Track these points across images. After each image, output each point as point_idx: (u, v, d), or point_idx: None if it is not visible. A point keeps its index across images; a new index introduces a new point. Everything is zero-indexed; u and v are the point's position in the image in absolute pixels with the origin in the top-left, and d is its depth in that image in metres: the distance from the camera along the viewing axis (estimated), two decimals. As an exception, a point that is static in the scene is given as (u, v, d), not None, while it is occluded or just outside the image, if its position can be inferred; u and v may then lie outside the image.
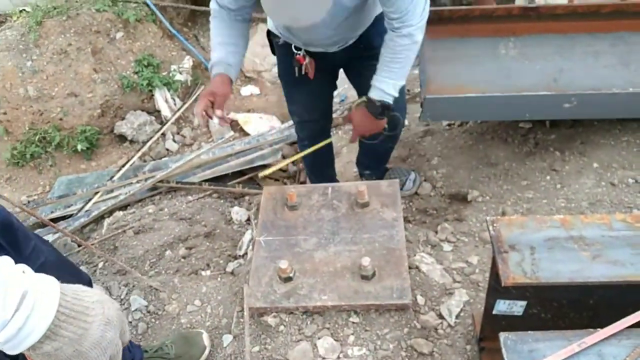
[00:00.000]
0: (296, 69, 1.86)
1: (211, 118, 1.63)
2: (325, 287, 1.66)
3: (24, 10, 4.27)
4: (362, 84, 1.98)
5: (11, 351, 0.63)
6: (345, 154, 2.88)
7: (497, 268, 1.22)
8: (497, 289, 1.26)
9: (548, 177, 2.11)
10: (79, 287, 0.70)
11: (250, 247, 2.36)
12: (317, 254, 1.76)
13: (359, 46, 1.86)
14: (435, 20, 2.21)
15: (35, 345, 0.64)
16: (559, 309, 1.27)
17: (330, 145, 2.30)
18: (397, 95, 1.73)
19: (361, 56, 1.89)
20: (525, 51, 2.15)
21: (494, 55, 2.17)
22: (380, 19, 1.80)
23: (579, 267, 1.18)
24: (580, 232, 1.26)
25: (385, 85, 1.69)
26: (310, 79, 1.90)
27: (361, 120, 1.82)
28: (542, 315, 1.29)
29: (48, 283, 0.65)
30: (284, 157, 3.34)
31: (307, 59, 1.83)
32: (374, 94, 1.72)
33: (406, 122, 2.95)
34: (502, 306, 1.30)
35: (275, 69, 3.16)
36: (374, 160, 2.39)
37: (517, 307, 1.28)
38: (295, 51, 1.83)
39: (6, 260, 0.65)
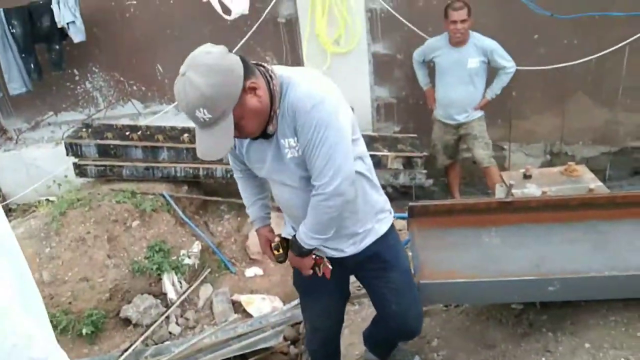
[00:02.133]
0: (316, 269, 1.98)
1: None
2: None
3: (49, 200, 4.67)
4: (373, 294, 2.16)
5: None
6: (348, 336, 2.94)
7: None
8: None
9: (543, 359, 2.17)
10: None
11: None
12: None
13: (370, 259, 2.02)
14: (423, 213, 2.50)
15: None
16: None
17: (337, 344, 2.43)
18: (312, 244, 1.86)
19: (372, 267, 2.04)
20: (507, 240, 2.38)
21: (479, 243, 2.40)
22: (389, 232, 2.02)
23: None
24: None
25: (302, 231, 1.86)
26: (324, 286, 2.03)
27: (290, 256, 1.99)
28: None
29: None
30: (285, 339, 3.38)
31: (325, 259, 1.97)
32: (296, 234, 1.91)
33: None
34: None
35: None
36: (385, 344, 2.47)
37: None
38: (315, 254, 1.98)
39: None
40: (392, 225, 2.08)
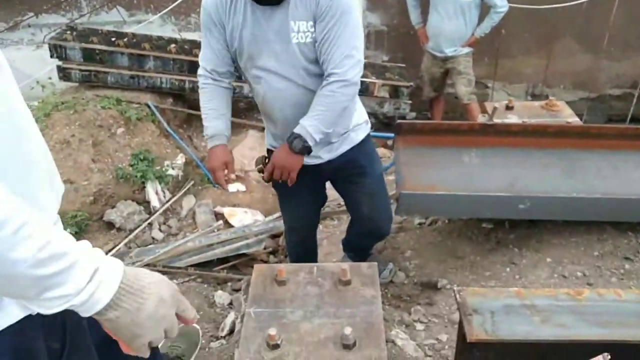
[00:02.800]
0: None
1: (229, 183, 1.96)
2: (310, 355, 1.80)
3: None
4: (348, 198, 2.28)
5: (84, 314, 0.81)
6: (326, 246, 3.11)
7: (463, 328, 1.43)
8: (462, 349, 1.46)
9: (508, 269, 2.37)
10: (140, 270, 0.89)
11: (232, 328, 2.49)
12: (303, 325, 1.92)
13: (346, 165, 2.09)
14: (409, 131, 2.60)
15: (100, 311, 0.81)
16: (516, 367, 1.46)
17: (314, 241, 2.56)
18: (317, 139, 1.80)
19: (348, 173, 2.13)
20: (485, 160, 2.52)
21: (459, 162, 2.52)
22: (366, 140, 2.09)
23: (531, 328, 1.41)
24: (532, 301, 1.50)
25: (309, 124, 1.80)
26: (302, 190, 2.09)
27: (279, 154, 1.89)
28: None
29: (114, 263, 0.84)
30: (265, 249, 3.55)
31: None
32: (296, 129, 1.82)
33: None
34: (468, 365, 1.48)
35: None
36: (359, 247, 2.61)
37: (481, 366, 1.47)
38: None
39: (85, 243, 0.85)
40: (369, 135, 2.15)
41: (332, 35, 1.69)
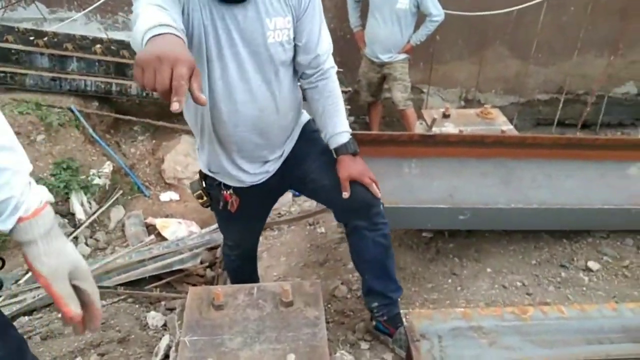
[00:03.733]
0: (221, 204, 1.85)
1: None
2: (250, 385, 1.70)
3: None
4: (314, 193, 1.95)
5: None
6: (266, 259, 3.00)
7: (411, 355, 1.37)
8: (411, 376, 1.40)
9: (450, 280, 2.37)
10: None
11: (167, 352, 2.33)
12: (243, 353, 1.81)
13: (287, 161, 1.86)
14: (350, 141, 2.53)
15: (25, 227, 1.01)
16: (465, 393, 1.43)
17: (254, 254, 2.41)
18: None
19: (295, 172, 1.86)
20: (425, 171, 2.50)
21: (399, 173, 2.49)
22: (306, 127, 1.88)
23: (478, 352, 1.38)
24: (478, 322, 1.47)
25: (341, 123, 1.74)
26: (247, 216, 1.93)
27: (354, 167, 1.73)
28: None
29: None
30: (202, 263, 3.39)
31: (233, 197, 1.83)
32: (343, 137, 1.73)
33: (323, 230, 3.18)
34: (416, 393, 1.43)
35: (196, 177, 3.26)
36: (381, 273, 1.96)
37: (429, 393, 1.43)
38: (224, 189, 1.83)
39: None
40: (309, 121, 1.95)
41: (315, 25, 1.60)
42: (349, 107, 4.59)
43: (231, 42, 1.49)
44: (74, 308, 1.05)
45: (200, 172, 1.89)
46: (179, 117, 4.73)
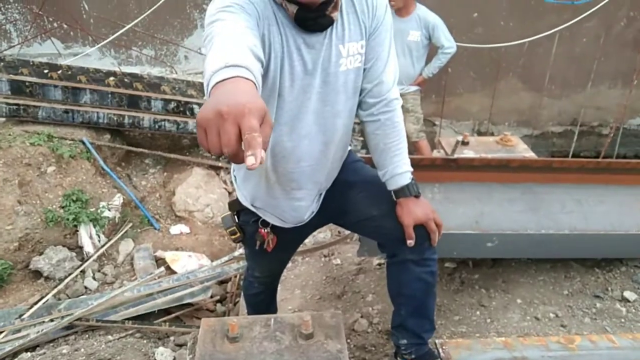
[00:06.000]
0: (258, 243, 1.74)
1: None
2: None
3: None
4: (357, 226, 1.83)
5: None
6: (280, 291, 2.86)
7: (451, 389, 1.24)
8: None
9: (478, 312, 2.23)
10: None
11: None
12: (260, 389, 1.68)
13: (331, 195, 1.72)
14: (369, 166, 2.45)
15: None
16: None
17: (277, 282, 2.28)
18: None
19: (334, 204, 1.73)
20: (449, 196, 2.40)
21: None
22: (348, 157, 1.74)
23: (526, 385, 1.24)
24: (521, 352, 1.34)
25: (403, 162, 1.60)
26: (283, 249, 1.84)
27: (419, 210, 1.61)
28: None
29: None
30: (212, 297, 3.26)
31: (270, 236, 1.73)
32: (404, 179, 1.59)
33: (339, 261, 3.05)
34: None
35: (207, 210, 3.10)
36: (419, 312, 1.78)
37: None
38: (261, 226, 1.72)
39: None
40: (350, 151, 1.78)
41: (385, 48, 1.47)
42: (361, 138, 4.53)
43: (305, 73, 1.37)
44: None
45: (233, 206, 1.77)
46: (191, 149, 4.69)
